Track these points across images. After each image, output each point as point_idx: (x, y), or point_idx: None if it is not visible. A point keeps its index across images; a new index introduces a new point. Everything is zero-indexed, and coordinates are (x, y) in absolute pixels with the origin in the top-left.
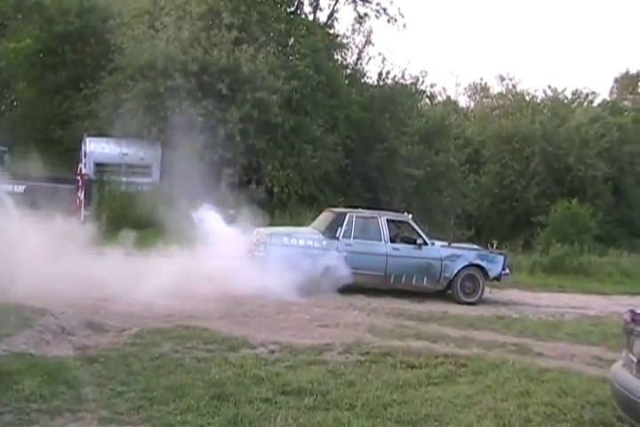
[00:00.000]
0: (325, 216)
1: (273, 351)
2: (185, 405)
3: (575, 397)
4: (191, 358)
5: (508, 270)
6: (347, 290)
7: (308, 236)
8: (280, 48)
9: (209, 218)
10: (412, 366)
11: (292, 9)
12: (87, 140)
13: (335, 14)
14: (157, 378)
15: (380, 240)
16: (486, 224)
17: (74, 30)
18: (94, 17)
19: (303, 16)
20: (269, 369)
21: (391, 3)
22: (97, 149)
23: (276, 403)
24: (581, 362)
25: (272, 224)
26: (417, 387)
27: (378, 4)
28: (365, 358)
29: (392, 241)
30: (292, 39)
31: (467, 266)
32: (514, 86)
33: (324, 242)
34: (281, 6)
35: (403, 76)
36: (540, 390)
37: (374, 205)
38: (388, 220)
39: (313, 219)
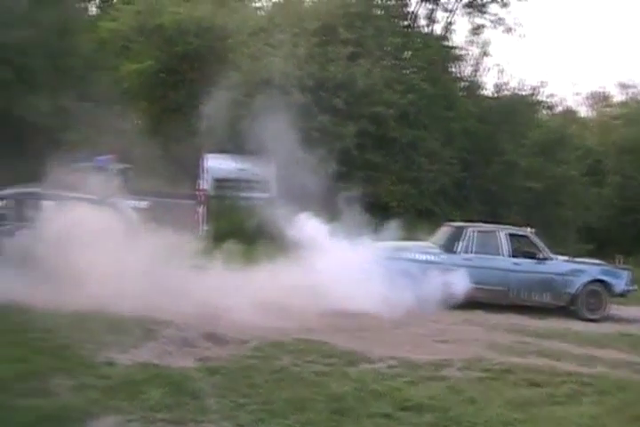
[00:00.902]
0: (444, 230)
1: (392, 366)
2: (305, 418)
3: None
4: (310, 371)
5: (633, 286)
6: (464, 305)
7: (426, 250)
8: (396, 62)
9: (323, 232)
10: (534, 384)
11: (408, 22)
12: (206, 156)
13: (451, 26)
14: (278, 391)
15: (500, 255)
16: (608, 238)
17: (192, 50)
18: (212, 36)
19: (418, 29)
20: (389, 384)
21: (508, 12)
22: (215, 165)
23: (396, 419)
24: None
25: (388, 239)
26: (539, 406)
27: (495, 15)
28: (486, 374)
29: (512, 256)
30: (408, 53)
31: (590, 281)
32: (637, 94)
33: (443, 256)
34: (396, 20)
35: (521, 87)
36: None
37: (492, 218)
38: (508, 234)
39: (430, 233)
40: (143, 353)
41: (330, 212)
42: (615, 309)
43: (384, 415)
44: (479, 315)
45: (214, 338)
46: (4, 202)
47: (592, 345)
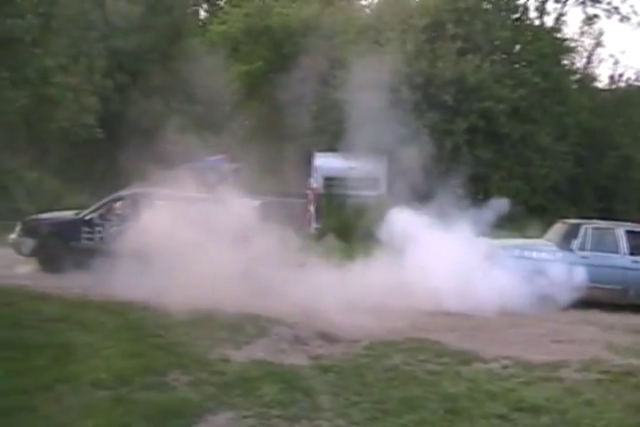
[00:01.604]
0: (559, 228)
1: (506, 366)
2: (419, 417)
3: None
4: (423, 370)
5: None
6: (580, 304)
7: (541, 248)
8: (505, 56)
9: (434, 229)
10: None
11: (518, 15)
12: (316, 155)
13: (562, 17)
14: (390, 390)
15: (618, 253)
16: None
17: (300, 50)
18: (320, 36)
19: (528, 22)
20: (503, 385)
21: (623, 1)
22: (325, 163)
23: (511, 420)
24: None
25: (501, 236)
26: None
27: (609, 4)
28: (604, 376)
29: (631, 254)
30: (518, 46)
31: None
32: None
33: (559, 254)
34: (505, 13)
35: (637, 78)
36: None
37: (608, 215)
38: (626, 231)
39: (543, 230)
40: (256, 350)
41: (440, 209)
42: None
43: (499, 416)
44: (596, 314)
45: (326, 336)
46: (121, 202)
47: None
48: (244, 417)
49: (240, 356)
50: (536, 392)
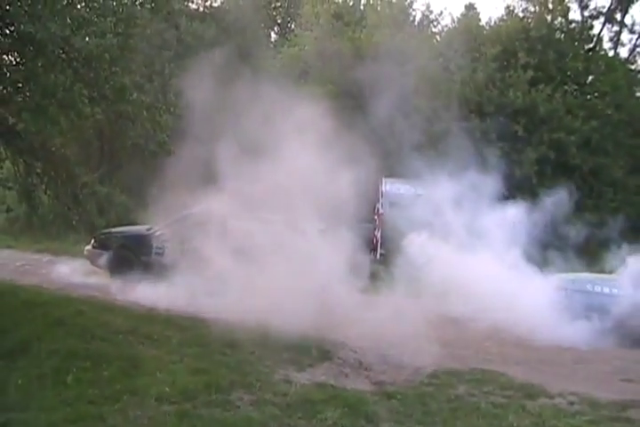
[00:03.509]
0: (629, 262)
1: (572, 403)
2: None
3: None
4: (487, 402)
5: None
6: None
7: (611, 283)
8: (578, 87)
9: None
10: None
11: (591, 45)
12: (384, 180)
13: (638, 49)
14: (454, 420)
15: None
16: None
17: (369, 74)
18: (389, 61)
19: (603, 52)
20: (569, 422)
21: None
22: (392, 189)
23: None
24: None
25: (569, 270)
26: None
27: None
28: None
29: None
30: (591, 77)
31: None
32: None
33: (628, 290)
34: (579, 43)
35: None
36: None
37: None
38: None
39: (612, 264)
40: (319, 373)
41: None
42: None
43: None
44: None
45: (389, 362)
46: (191, 219)
47: None
48: None
49: (303, 378)
50: None
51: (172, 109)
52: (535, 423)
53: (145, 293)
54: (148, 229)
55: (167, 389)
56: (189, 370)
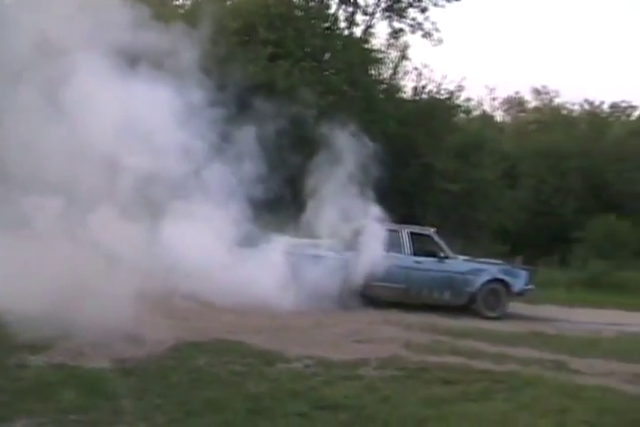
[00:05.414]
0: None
1: (308, 366)
2: (222, 418)
3: (615, 415)
4: (227, 371)
5: (531, 285)
6: (381, 305)
7: (330, 247)
8: (316, 63)
9: None
10: (448, 382)
11: (328, 24)
12: None
13: (370, 29)
14: (194, 391)
15: (402, 253)
16: (522, 239)
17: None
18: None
19: (339, 31)
20: (305, 384)
21: (426, 18)
22: None
23: (311, 418)
24: (620, 379)
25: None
26: (452, 403)
27: (413, 19)
28: (401, 373)
29: (414, 254)
30: (328, 54)
31: (490, 280)
32: (550, 100)
33: (347, 254)
34: (317, 22)
35: (439, 91)
36: (579, 407)
37: (410, 219)
38: (410, 233)
39: None
40: (56, 354)
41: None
42: (526, 308)
43: (299, 414)
44: (396, 314)
45: (129, 338)
46: None
47: (504, 343)
48: (40, 424)
49: (39, 360)
50: (336, 390)
51: None
52: (273, 388)
53: None
54: None
55: None
56: None
